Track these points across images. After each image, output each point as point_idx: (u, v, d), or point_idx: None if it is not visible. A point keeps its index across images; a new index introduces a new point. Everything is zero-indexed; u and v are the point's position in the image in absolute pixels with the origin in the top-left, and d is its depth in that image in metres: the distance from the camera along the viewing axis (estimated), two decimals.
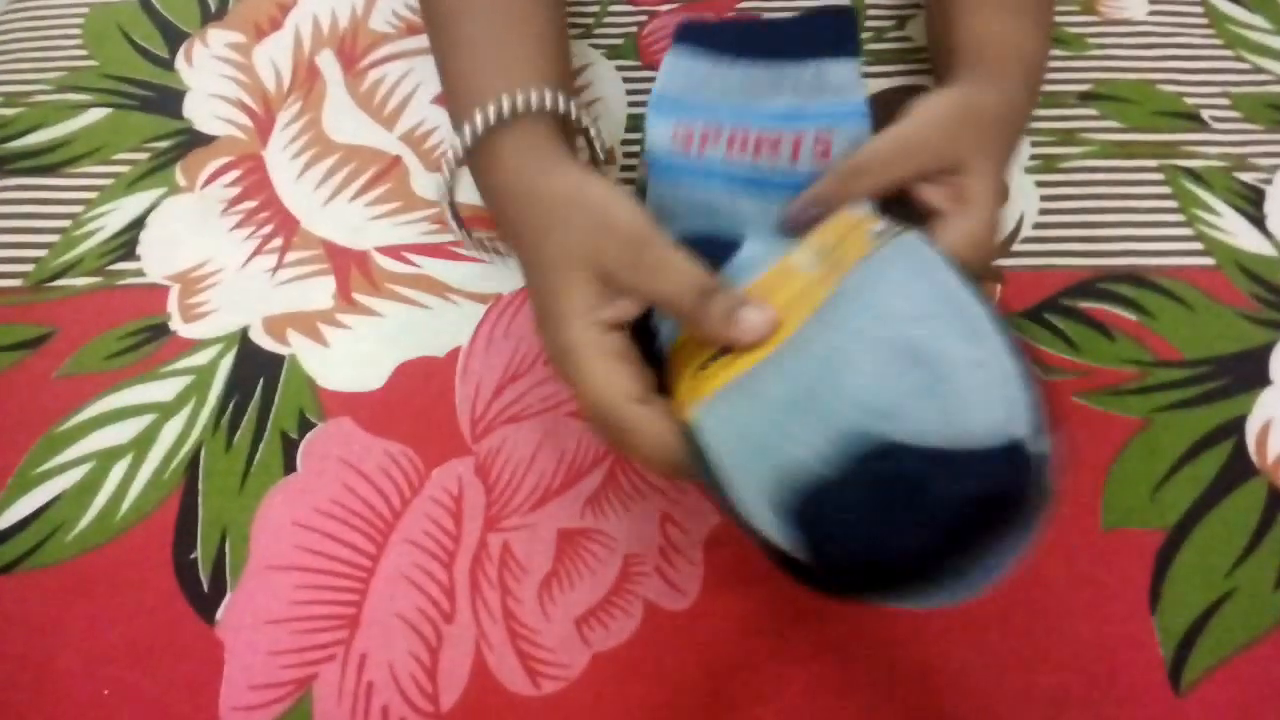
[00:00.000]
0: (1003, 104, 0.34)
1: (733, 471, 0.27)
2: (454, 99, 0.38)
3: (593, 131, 0.38)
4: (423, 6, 0.42)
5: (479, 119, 0.34)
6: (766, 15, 0.48)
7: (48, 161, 0.45)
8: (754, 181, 0.35)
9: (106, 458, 0.37)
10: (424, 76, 0.47)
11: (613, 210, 0.31)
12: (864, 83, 0.37)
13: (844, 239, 0.31)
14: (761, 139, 0.36)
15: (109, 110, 0.47)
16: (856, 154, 0.32)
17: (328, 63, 0.48)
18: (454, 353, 0.39)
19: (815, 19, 0.41)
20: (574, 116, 0.36)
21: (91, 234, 0.43)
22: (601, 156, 0.39)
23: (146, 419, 0.38)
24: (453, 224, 0.38)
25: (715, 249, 0.33)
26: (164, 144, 0.46)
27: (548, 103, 0.34)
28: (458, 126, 0.35)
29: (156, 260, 0.42)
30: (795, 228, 0.33)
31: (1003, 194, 0.33)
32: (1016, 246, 0.41)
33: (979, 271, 0.32)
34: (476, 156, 0.35)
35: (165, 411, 0.38)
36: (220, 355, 0.39)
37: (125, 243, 0.43)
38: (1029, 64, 0.37)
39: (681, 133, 0.36)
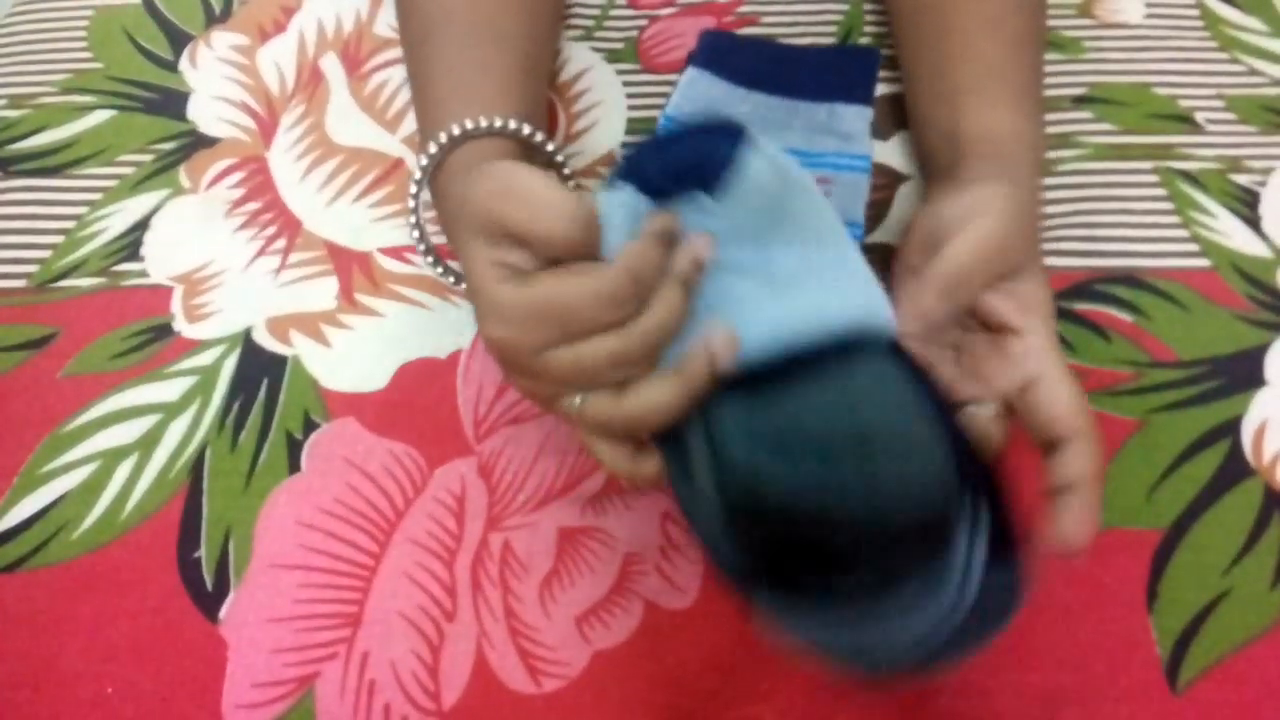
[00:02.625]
0: (1034, 201, 0.34)
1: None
2: (420, 126, 0.39)
3: (552, 148, 0.38)
4: (401, 31, 0.42)
5: (432, 146, 0.35)
6: (787, 39, 0.48)
7: (53, 163, 0.46)
8: None
9: (112, 457, 0.37)
10: None
11: (511, 172, 0.30)
12: (870, 135, 0.37)
13: None
14: None
15: (114, 112, 0.47)
16: (946, 265, 0.30)
17: (331, 66, 0.48)
18: (456, 354, 0.39)
19: (840, 56, 0.42)
20: (533, 137, 0.37)
21: (96, 235, 0.43)
22: (568, 174, 0.40)
23: (152, 419, 0.38)
24: (420, 248, 0.38)
25: None
26: (168, 146, 0.46)
27: (505, 125, 0.35)
28: (422, 141, 0.37)
29: (160, 261, 0.42)
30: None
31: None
32: None
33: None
34: (435, 182, 0.36)
35: (170, 411, 0.38)
36: (224, 356, 0.40)
37: (129, 244, 0.43)
38: (1041, 158, 0.37)
39: None
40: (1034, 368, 0.30)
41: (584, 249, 0.28)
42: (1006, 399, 0.31)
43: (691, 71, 0.40)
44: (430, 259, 0.38)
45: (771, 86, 0.40)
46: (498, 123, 0.35)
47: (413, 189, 0.37)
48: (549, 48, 0.45)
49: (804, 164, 0.38)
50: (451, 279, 0.39)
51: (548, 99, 0.45)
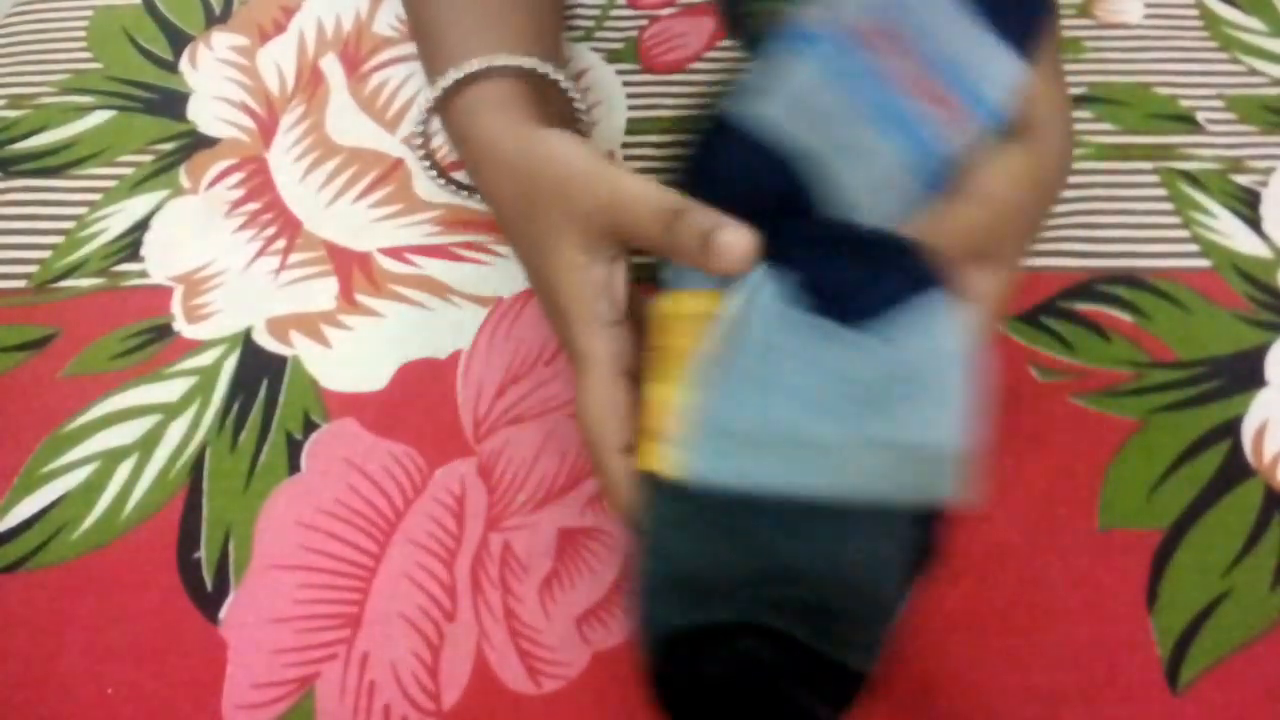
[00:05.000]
0: (1060, 167, 0.32)
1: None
2: (429, 64, 0.38)
3: (575, 95, 0.38)
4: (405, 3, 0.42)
5: (452, 72, 0.35)
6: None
7: (52, 163, 0.46)
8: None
9: (111, 458, 0.37)
10: None
11: (568, 162, 0.30)
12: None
13: None
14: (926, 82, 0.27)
15: (113, 112, 0.47)
16: (950, 214, 0.28)
17: (331, 66, 0.48)
18: (456, 355, 0.39)
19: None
20: (556, 80, 0.36)
21: (95, 235, 0.43)
22: (589, 121, 0.39)
23: (151, 420, 0.38)
24: (429, 170, 0.38)
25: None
26: (168, 146, 0.46)
27: (524, 65, 0.35)
28: (431, 81, 0.36)
29: (160, 262, 0.42)
30: None
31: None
32: None
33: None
34: (448, 110, 0.36)
35: (170, 412, 0.38)
36: (224, 356, 0.40)
37: (129, 244, 0.43)
38: (1070, 121, 0.34)
39: (859, 26, 0.26)
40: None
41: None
42: None
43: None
44: (443, 181, 0.39)
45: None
46: (525, 63, 0.35)
47: (421, 117, 0.37)
48: (556, 16, 0.44)
49: (959, 90, 0.27)
50: (465, 194, 0.39)
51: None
